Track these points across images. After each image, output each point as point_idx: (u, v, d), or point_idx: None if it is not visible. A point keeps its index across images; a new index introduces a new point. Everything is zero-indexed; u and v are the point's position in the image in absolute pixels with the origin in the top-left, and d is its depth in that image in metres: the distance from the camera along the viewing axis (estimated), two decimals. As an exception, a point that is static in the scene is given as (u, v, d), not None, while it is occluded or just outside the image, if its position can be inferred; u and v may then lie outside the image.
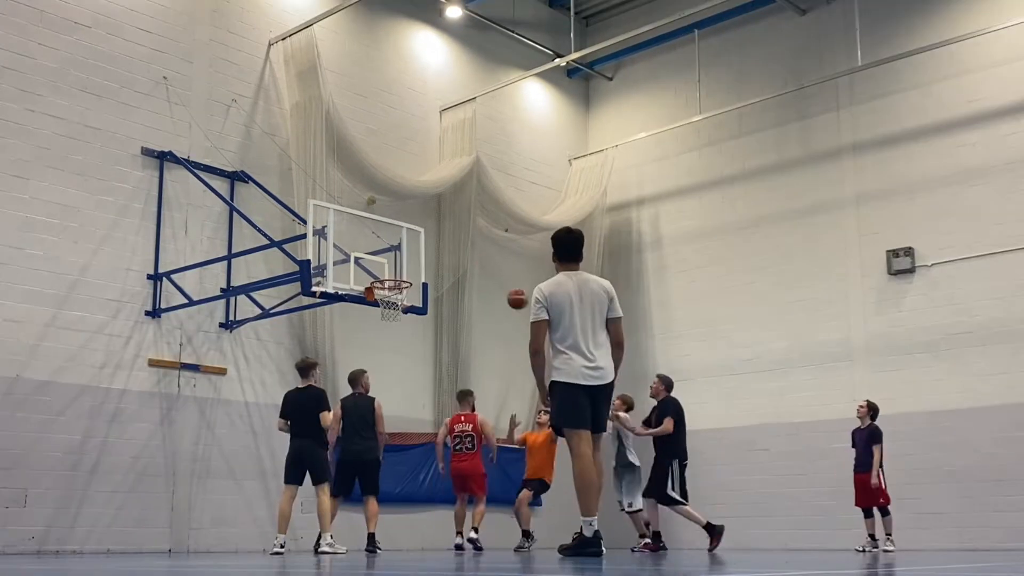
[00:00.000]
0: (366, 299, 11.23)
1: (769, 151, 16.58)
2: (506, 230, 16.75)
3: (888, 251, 15.09)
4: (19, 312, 11.30)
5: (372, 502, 11.30)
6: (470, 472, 12.40)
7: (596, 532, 7.33)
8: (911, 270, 14.90)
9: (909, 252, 14.91)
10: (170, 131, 12.85)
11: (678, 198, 17.55)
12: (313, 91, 13.89)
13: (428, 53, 16.42)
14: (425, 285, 12.14)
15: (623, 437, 12.56)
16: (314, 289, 10.89)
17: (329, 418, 10.85)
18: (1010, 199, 14.24)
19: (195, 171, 12.74)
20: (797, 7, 16.50)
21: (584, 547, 7.40)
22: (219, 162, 13.21)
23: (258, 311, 12.91)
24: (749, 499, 15.67)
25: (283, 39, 14.15)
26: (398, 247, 11.76)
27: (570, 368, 7.23)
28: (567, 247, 7.60)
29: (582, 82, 19.00)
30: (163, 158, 12.72)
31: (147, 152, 12.63)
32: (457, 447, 12.45)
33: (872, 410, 13.25)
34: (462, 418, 12.55)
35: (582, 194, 17.69)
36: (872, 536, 13.15)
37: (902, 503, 14.41)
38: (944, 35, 14.66)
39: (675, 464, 12.06)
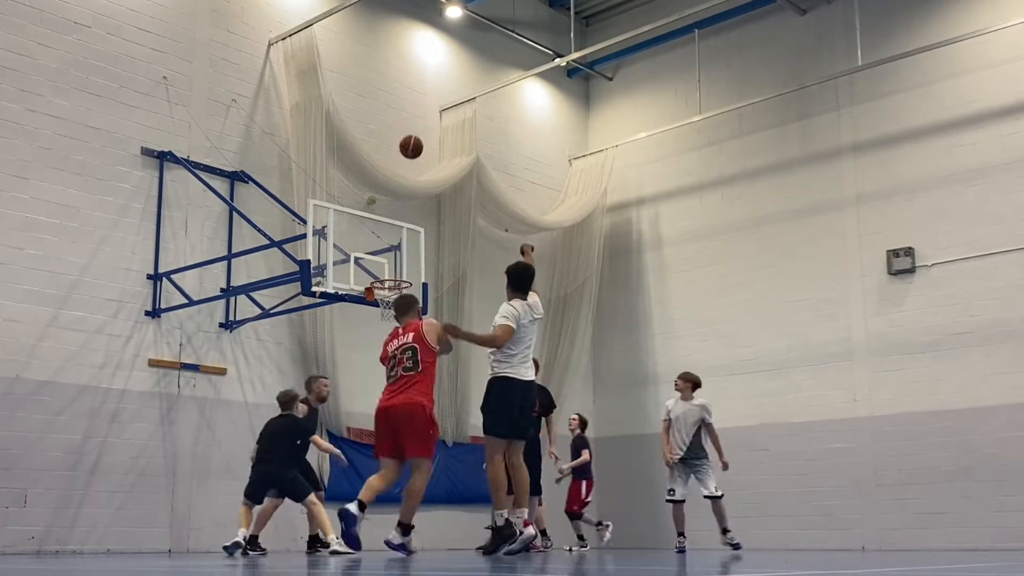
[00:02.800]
0: (366, 299, 11.23)
1: (769, 151, 16.58)
2: (506, 230, 16.75)
3: (888, 251, 15.08)
4: (19, 312, 11.29)
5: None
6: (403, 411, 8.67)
7: (507, 521, 8.64)
8: (911, 270, 14.89)
9: (909, 252, 14.90)
10: (170, 131, 12.85)
11: (678, 198, 17.55)
12: (313, 91, 13.89)
13: (428, 53, 16.42)
14: (425, 285, 12.12)
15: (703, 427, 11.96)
16: (314, 289, 10.89)
17: None
18: (1010, 199, 14.23)
19: (195, 171, 12.74)
20: (797, 7, 16.49)
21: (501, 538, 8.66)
22: (219, 162, 13.21)
23: (258, 311, 12.91)
24: (749, 499, 15.66)
25: (283, 39, 14.15)
26: (398, 247, 11.76)
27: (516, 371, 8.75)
28: (522, 279, 9.16)
29: (582, 82, 19.00)
30: (163, 158, 12.72)
31: (147, 152, 12.63)
32: (392, 374, 8.75)
33: (583, 423, 13.95)
34: (399, 331, 8.98)
35: (582, 194, 17.70)
36: (581, 536, 13.27)
37: (902, 503, 14.43)
38: (944, 35, 14.65)
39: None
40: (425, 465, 8.54)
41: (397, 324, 9.03)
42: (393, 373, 8.64)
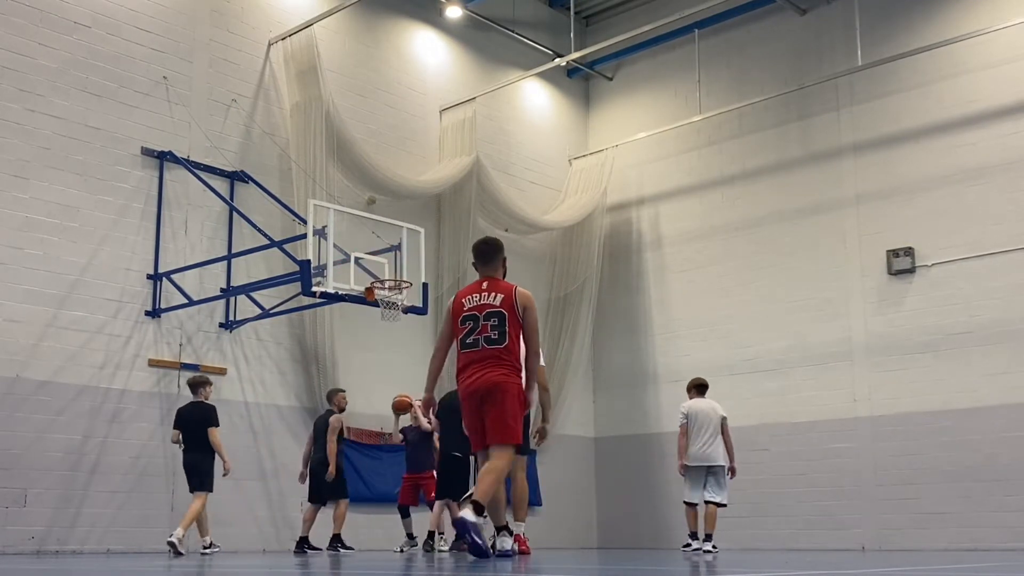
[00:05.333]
0: (366, 299, 11.24)
1: (769, 151, 16.58)
2: (506, 230, 16.74)
3: (888, 251, 15.08)
4: (19, 312, 11.30)
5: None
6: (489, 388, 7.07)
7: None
8: (911, 270, 14.89)
9: (909, 252, 14.90)
10: (170, 131, 12.85)
11: (678, 198, 17.55)
12: (313, 91, 13.89)
13: (428, 53, 16.42)
14: (425, 285, 12.13)
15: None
16: (314, 289, 10.90)
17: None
18: (1010, 199, 14.24)
19: (195, 171, 12.74)
20: (797, 7, 16.49)
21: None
22: (219, 162, 13.21)
23: (258, 311, 12.91)
24: (749, 499, 15.66)
25: (283, 39, 14.15)
26: (398, 247, 11.76)
27: None
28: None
29: (582, 82, 19.00)
30: (163, 158, 12.72)
31: (147, 152, 12.64)
32: (471, 340, 7.17)
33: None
34: (483, 286, 7.27)
35: (582, 194, 17.70)
36: (411, 535, 12.22)
37: (902, 503, 14.42)
38: (944, 35, 14.66)
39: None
40: (509, 453, 7.01)
41: (484, 272, 7.34)
42: (472, 340, 7.06)
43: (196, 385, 11.20)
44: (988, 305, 14.16)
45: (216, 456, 10.95)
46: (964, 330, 14.30)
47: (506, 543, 7.09)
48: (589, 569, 6.27)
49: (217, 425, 10.97)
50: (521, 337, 7.08)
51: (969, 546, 13.57)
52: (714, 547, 11.48)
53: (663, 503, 16.72)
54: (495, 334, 6.97)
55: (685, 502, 11.90)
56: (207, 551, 10.83)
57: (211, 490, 10.95)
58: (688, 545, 11.86)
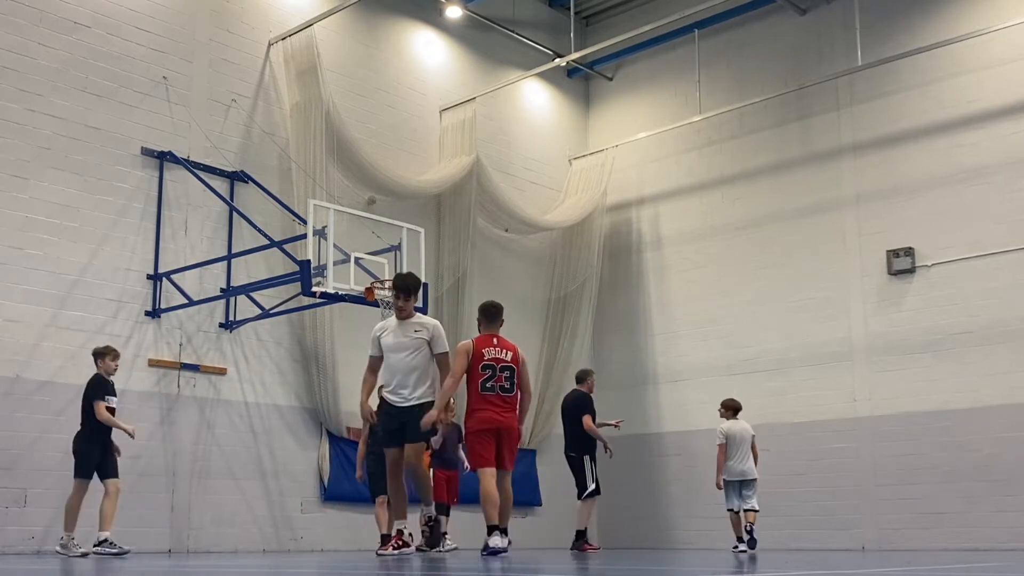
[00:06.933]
0: (366, 299, 11.24)
1: (769, 151, 16.58)
2: (506, 230, 16.75)
3: (888, 251, 15.08)
4: (19, 312, 11.29)
5: None
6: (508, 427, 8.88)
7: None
8: (911, 270, 14.89)
9: (909, 252, 14.91)
10: (170, 131, 12.85)
11: (678, 198, 17.55)
12: (313, 91, 13.89)
13: (428, 53, 16.42)
14: (425, 285, 12.09)
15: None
16: (314, 289, 10.90)
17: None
18: (1010, 199, 14.23)
19: (195, 171, 12.74)
20: (797, 7, 16.49)
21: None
22: (219, 162, 13.21)
23: (258, 311, 12.91)
24: (749, 499, 15.66)
25: (283, 39, 14.15)
26: (398, 247, 11.76)
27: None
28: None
29: (582, 82, 18.99)
30: (163, 158, 12.72)
31: (147, 152, 12.63)
32: (489, 385, 8.82)
33: None
34: (494, 341, 8.95)
35: (582, 194, 17.70)
36: (444, 534, 11.73)
37: (902, 503, 14.43)
38: (944, 35, 14.65)
39: (587, 459, 12.60)
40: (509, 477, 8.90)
41: (489, 329, 8.94)
42: (490, 386, 8.72)
43: (94, 356, 10.26)
44: (988, 305, 14.16)
45: (110, 436, 10.06)
46: (964, 330, 14.30)
47: (499, 541, 8.36)
48: (589, 569, 6.27)
49: (100, 398, 9.97)
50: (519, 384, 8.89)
51: (969, 546, 13.57)
52: (753, 538, 12.28)
53: (663, 503, 16.72)
54: (508, 384, 8.76)
55: (728, 510, 12.66)
56: (66, 549, 9.86)
57: (115, 476, 10.11)
58: (736, 547, 12.50)
